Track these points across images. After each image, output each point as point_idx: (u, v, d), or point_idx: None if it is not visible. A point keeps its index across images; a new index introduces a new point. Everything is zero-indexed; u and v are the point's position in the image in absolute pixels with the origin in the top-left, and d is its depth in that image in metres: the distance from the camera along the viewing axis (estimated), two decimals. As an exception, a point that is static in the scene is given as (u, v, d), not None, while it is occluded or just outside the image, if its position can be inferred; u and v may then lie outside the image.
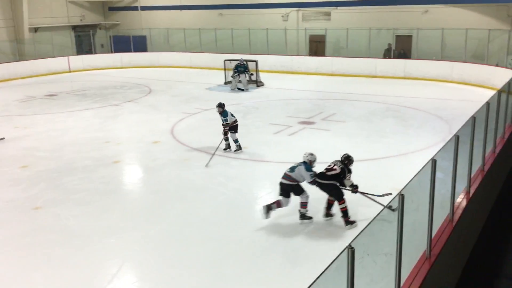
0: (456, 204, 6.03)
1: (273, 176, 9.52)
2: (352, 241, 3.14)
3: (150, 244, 6.85)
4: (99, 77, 23.41)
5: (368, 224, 3.56)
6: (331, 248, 6.40)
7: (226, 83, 20.26)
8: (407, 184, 4.34)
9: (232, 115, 10.78)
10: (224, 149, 10.83)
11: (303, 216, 7.30)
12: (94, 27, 29.29)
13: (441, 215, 5.63)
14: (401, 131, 12.42)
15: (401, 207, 4.03)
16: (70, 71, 25.30)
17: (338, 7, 22.92)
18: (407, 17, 21.33)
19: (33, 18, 25.88)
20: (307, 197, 7.22)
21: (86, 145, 11.78)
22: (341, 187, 7.15)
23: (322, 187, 7.18)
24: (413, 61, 20.56)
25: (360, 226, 6.88)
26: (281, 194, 7.26)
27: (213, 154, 10.33)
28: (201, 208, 7.99)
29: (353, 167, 7.52)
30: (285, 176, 7.25)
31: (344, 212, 7.07)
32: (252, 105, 16.16)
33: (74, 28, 28.44)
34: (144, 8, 28.92)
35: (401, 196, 3.99)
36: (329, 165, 7.40)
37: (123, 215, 7.83)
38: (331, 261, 3.02)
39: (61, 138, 12.53)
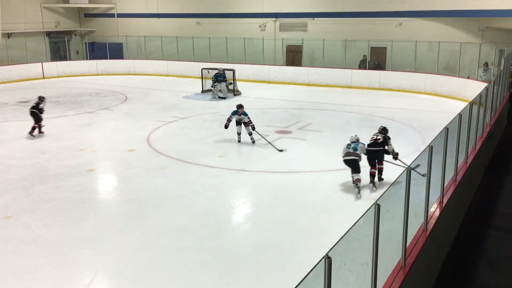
0: (429, 213, 6.13)
1: (250, 184, 9.56)
2: (329, 251, 3.15)
3: (125, 253, 6.73)
4: (74, 84, 23.06)
5: (345, 233, 3.58)
6: (307, 258, 6.41)
7: (203, 91, 20.22)
8: (382, 194, 4.38)
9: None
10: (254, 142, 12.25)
11: (359, 189, 8.73)
12: (69, 33, 28.90)
13: (415, 224, 5.72)
14: (376, 141, 12.56)
15: (377, 217, 4.08)
16: (44, 78, 24.85)
17: (315, 18, 23.21)
18: (381, 29, 21.75)
19: (6, 23, 25.38)
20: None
21: (59, 153, 11.56)
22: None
23: (375, 153, 8.93)
24: (388, 72, 20.94)
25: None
26: (354, 172, 8.80)
27: (270, 142, 11.99)
28: (177, 217, 7.91)
29: (329, 176, 7.58)
30: (351, 153, 8.81)
31: (381, 170, 9.09)
32: (229, 114, 16.11)
33: (49, 34, 28.01)
34: (120, 15, 28.70)
35: (377, 206, 4.03)
36: (373, 137, 9.10)
37: (97, 225, 7.69)
38: (308, 271, 3.02)
39: (33, 145, 12.26)
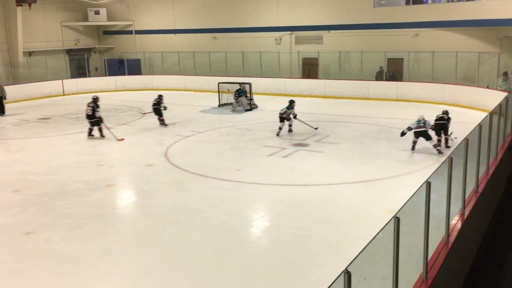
0: (451, 226, 6.02)
1: (268, 198, 9.53)
2: (348, 265, 3.11)
3: (143, 268, 6.75)
4: (93, 100, 23.38)
5: (365, 247, 3.53)
6: (326, 272, 6.34)
7: (220, 105, 20.34)
8: (402, 207, 4.32)
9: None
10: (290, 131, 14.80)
11: (439, 151, 11.93)
12: (88, 50, 29.45)
13: (436, 237, 5.62)
14: (394, 152, 12.46)
15: (397, 230, 4.02)
16: (64, 95, 25.31)
17: (330, 31, 23.24)
18: (398, 40, 21.65)
19: (28, 42, 25.99)
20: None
21: (79, 168, 11.71)
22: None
23: (441, 125, 12.29)
24: (405, 83, 20.79)
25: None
26: (428, 139, 12.10)
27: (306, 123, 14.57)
28: (195, 232, 7.91)
29: (347, 189, 7.52)
30: (422, 126, 12.02)
31: (447, 140, 12.45)
32: (245, 127, 16.20)
33: (69, 51, 28.58)
34: (138, 32, 29.17)
35: (396, 219, 3.98)
36: (439, 115, 12.46)
37: (116, 239, 7.74)
38: (327, 286, 2.98)
39: (53, 161, 12.45)
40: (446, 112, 12.65)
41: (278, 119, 14.76)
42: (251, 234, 8.03)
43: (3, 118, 19.13)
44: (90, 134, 14.87)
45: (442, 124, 12.34)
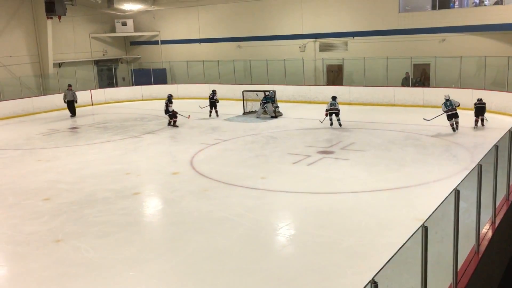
0: (481, 234, 5.88)
1: (293, 206, 9.49)
2: (375, 275, 3.07)
3: (170, 276, 6.80)
4: (120, 110, 23.85)
5: (392, 257, 3.48)
6: (352, 282, 6.27)
7: (245, 113, 20.42)
8: (430, 215, 4.24)
9: None
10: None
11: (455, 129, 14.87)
12: (116, 61, 30.05)
13: (466, 246, 5.50)
14: (421, 159, 12.27)
15: (425, 239, 3.94)
16: (92, 104, 25.87)
17: (355, 37, 23.11)
18: (424, 45, 21.37)
19: (58, 54, 26.69)
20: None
21: (107, 177, 11.90)
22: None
23: (481, 109, 15.50)
24: (432, 89, 20.48)
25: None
26: (455, 118, 14.82)
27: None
28: (220, 240, 7.93)
29: (373, 197, 7.42)
30: (453, 108, 14.75)
31: (483, 119, 15.62)
32: (270, 135, 16.21)
33: (97, 62, 29.21)
34: (164, 42, 29.62)
35: (424, 228, 3.91)
36: (479, 100, 15.50)
37: (143, 247, 7.82)
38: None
39: (82, 170, 12.70)
40: (481, 99, 15.67)
41: (324, 115, 16.96)
42: (276, 243, 8.00)
43: (33, 128, 19.64)
44: (169, 124, 18.37)
45: (482, 107, 15.41)
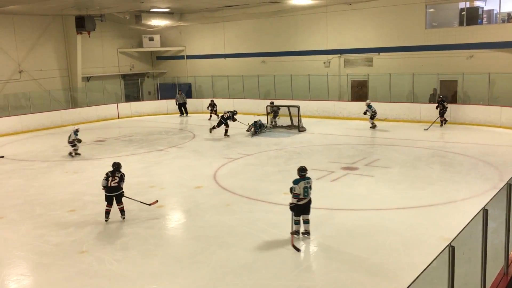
0: (510, 256, 5.71)
1: (316, 222, 9.40)
2: (399, 295, 3.00)
3: (191, 291, 6.79)
4: (146, 123, 24.19)
5: (418, 277, 3.40)
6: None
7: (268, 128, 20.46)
8: (457, 235, 4.14)
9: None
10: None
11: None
12: (142, 75, 30.59)
13: (494, 267, 5.34)
14: (448, 177, 12.03)
15: (452, 259, 3.85)
16: (119, 118, 26.33)
17: (380, 53, 23.00)
18: (451, 62, 21.09)
19: (86, 68, 27.34)
20: None
21: (131, 189, 12.00)
22: None
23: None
24: (460, 106, 20.15)
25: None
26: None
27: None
28: (242, 255, 7.91)
29: (398, 214, 7.30)
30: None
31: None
32: (294, 150, 16.17)
33: (124, 76, 29.78)
34: (189, 57, 30.03)
35: (451, 248, 3.82)
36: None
37: (165, 260, 7.86)
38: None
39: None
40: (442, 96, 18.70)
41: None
42: (299, 259, 7.92)
43: (61, 140, 20.04)
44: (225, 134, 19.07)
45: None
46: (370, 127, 19.69)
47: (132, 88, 29.90)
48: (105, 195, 9.71)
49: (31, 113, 23.32)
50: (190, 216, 10.14)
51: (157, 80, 30.38)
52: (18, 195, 12.06)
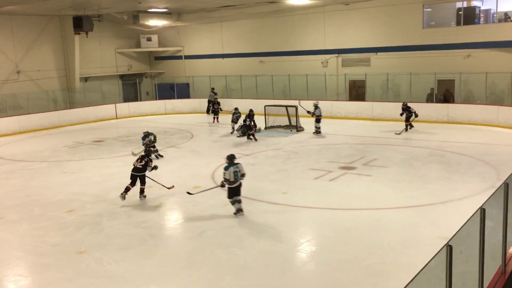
0: (508, 255, 5.72)
1: (314, 222, 9.43)
2: (397, 294, 3.02)
3: (190, 291, 6.80)
4: (144, 123, 24.12)
5: (415, 276, 3.42)
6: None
7: (266, 128, 20.46)
8: (455, 234, 4.16)
9: None
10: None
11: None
12: (140, 75, 30.57)
13: (492, 266, 5.36)
14: (445, 177, 12.07)
15: (449, 259, 3.87)
16: (117, 118, 26.31)
17: (378, 53, 23.03)
18: (448, 61, 21.13)
19: (84, 68, 27.31)
20: None
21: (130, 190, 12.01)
22: None
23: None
24: (457, 105, 20.21)
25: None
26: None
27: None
28: (241, 255, 7.92)
29: (396, 214, 7.32)
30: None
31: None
32: (292, 150, 16.19)
33: (122, 77, 29.75)
34: (187, 57, 30.03)
35: (449, 247, 3.83)
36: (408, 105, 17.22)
37: (164, 261, 7.86)
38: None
39: (106, 183, 12.87)
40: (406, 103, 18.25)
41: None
42: (297, 259, 7.94)
43: (59, 140, 20.03)
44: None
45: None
46: (314, 132, 18.49)
47: (130, 89, 29.89)
48: (131, 174, 10.94)
49: (29, 114, 23.31)
50: (188, 216, 10.14)
51: (155, 80, 30.37)
52: (16, 195, 12.05)
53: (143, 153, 11.27)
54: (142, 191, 11.14)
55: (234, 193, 9.56)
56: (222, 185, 9.68)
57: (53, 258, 8.12)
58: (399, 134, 17.59)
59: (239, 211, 9.68)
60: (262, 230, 8.96)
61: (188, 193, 10.59)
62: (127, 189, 10.87)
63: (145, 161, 10.92)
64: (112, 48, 29.17)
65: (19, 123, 22.53)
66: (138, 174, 10.93)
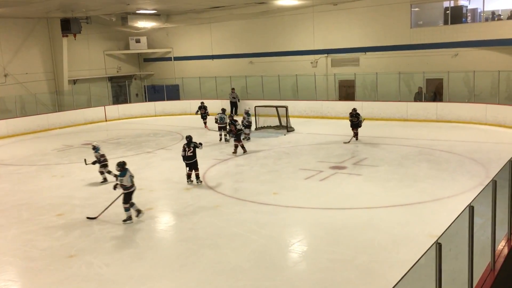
0: (497, 251, 5.78)
1: (305, 222, 9.44)
2: (388, 293, 3.03)
3: (182, 293, 6.77)
4: (134, 126, 24.05)
5: (405, 274, 3.44)
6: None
7: (257, 129, 20.46)
8: (444, 232, 4.19)
9: None
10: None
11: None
12: (129, 77, 30.42)
13: (481, 263, 5.41)
14: (435, 175, 12.15)
15: (439, 256, 3.89)
16: (106, 120, 26.15)
17: (367, 53, 23.15)
18: (436, 60, 21.30)
19: (72, 71, 27.11)
20: None
21: (120, 192, 11.94)
22: None
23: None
24: (445, 104, 20.37)
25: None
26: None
27: None
28: (232, 256, 7.91)
29: (387, 213, 7.34)
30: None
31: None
32: (282, 150, 16.21)
33: (111, 79, 29.58)
34: (177, 58, 29.93)
35: (438, 245, 3.86)
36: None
37: (155, 263, 7.83)
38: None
39: (95, 186, 12.79)
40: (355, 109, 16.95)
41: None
42: (288, 259, 7.95)
43: (48, 144, 19.88)
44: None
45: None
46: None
47: (119, 91, 29.74)
48: (185, 163, 12.15)
49: (17, 117, 23.09)
50: (179, 218, 10.11)
51: (144, 82, 30.25)
52: (5, 200, 11.93)
53: (186, 142, 12.19)
54: (197, 176, 12.28)
55: (130, 197, 9.82)
56: (115, 188, 9.95)
57: (43, 263, 8.05)
58: (348, 142, 16.55)
59: (129, 218, 9.75)
60: (253, 230, 8.96)
61: (88, 218, 10.11)
62: (188, 175, 12.23)
63: (192, 147, 12.04)
64: (101, 50, 28.99)
65: (6, 127, 22.30)
66: (190, 162, 12.10)
